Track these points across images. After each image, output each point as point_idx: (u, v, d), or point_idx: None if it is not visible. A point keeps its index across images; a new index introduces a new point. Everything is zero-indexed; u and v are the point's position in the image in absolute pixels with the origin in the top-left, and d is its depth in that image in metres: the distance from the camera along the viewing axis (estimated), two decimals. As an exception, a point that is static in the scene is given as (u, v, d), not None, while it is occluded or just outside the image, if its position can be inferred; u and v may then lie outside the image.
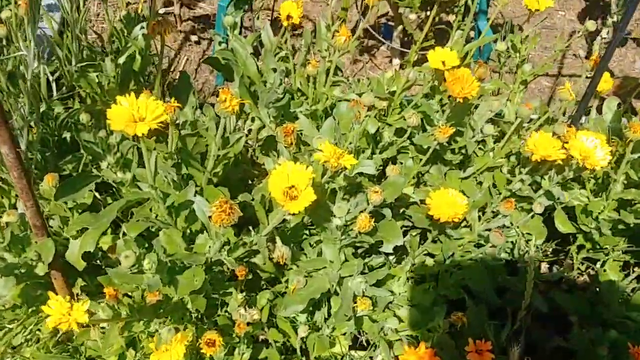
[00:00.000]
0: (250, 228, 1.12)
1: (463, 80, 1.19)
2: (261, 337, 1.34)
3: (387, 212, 1.21)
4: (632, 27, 2.57)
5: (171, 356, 1.08)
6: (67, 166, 1.30)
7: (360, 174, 1.27)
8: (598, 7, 2.71)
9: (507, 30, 1.69)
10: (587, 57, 2.48)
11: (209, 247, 1.10)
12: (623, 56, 2.52)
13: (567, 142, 1.26)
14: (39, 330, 1.36)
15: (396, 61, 2.20)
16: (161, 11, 2.25)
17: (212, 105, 1.40)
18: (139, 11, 1.52)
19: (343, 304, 1.19)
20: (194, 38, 2.23)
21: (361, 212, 1.12)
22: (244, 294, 1.28)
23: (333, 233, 1.17)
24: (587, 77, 1.47)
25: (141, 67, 1.32)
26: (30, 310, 1.33)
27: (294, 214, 0.97)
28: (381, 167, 1.38)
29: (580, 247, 1.60)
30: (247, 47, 1.49)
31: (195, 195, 1.11)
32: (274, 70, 1.39)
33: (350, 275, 1.20)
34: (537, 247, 1.52)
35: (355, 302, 1.20)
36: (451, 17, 2.19)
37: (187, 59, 2.18)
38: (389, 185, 1.21)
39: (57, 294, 1.26)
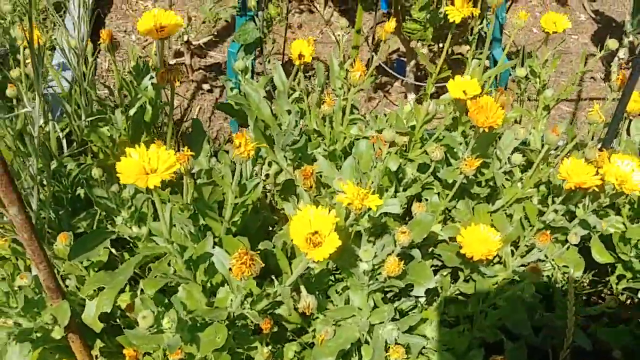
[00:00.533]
0: (274, 277, 1.07)
1: (487, 109, 1.14)
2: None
3: (415, 252, 1.15)
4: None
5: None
6: (81, 224, 1.26)
7: (385, 214, 1.21)
8: (610, 29, 2.67)
9: (524, 56, 1.65)
10: (605, 80, 2.43)
11: (231, 300, 1.04)
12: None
13: (600, 167, 1.20)
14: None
15: (411, 96, 2.16)
16: (172, 62, 2.23)
17: (227, 152, 1.36)
18: (149, 63, 1.50)
19: (375, 354, 1.12)
20: (206, 87, 2.20)
21: (389, 254, 1.06)
22: (270, 347, 1.21)
23: (360, 278, 1.11)
24: (614, 99, 1.41)
25: (152, 117, 1.28)
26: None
27: (318, 262, 0.91)
28: (406, 206, 1.32)
29: (620, 277, 1.52)
30: (260, 90, 1.46)
31: (214, 247, 1.06)
32: (289, 112, 1.35)
33: (381, 323, 1.13)
34: (575, 280, 1.44)
35: (388, 351, 1.13)
36: (464, 48, 2.16)
37: (200, 108, 2.16)
38: (416, 224, 1.15)
39: (75, 357, 1.22)
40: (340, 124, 1.32)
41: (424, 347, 1.26)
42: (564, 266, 1.42)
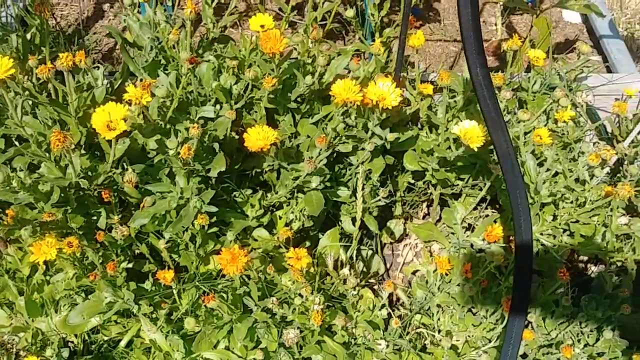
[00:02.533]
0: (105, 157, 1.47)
1: (274, 39, 1.50)
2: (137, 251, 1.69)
3: (215, 145, 1.53)
4: None
5: (46, 257, 1.44)
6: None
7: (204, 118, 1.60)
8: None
9: None
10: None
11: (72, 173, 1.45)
12: None
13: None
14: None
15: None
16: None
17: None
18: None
19: (184, 219, 1.52)
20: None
21: (183, 144, 1.44)
22: (120, 215, 1.63)
23: (174, 162, 1.50)
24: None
25: (40, 41, 1.67)
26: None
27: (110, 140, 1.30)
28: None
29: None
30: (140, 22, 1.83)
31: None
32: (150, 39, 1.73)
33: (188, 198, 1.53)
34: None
35: (196, 218, 1.53)
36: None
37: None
38: (219, 124, 1.54)
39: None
40: (185, 49, 1.68)
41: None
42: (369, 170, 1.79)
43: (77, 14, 2.56)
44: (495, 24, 2.66)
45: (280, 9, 2.60)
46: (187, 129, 1.45)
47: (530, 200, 1.64)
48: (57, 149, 1.29)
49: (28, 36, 1.70)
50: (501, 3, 2.57)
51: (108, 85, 1.58)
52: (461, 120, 1.79)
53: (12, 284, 1.68)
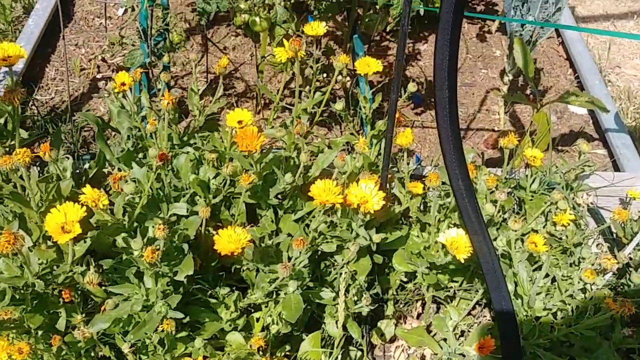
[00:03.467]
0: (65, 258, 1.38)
1: (250, 136, 1.42)
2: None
3: (185, 246, 1.44)
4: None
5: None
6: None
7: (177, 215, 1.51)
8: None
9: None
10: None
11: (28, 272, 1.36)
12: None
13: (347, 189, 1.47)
14: None
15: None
16: (98, 76, 2.59)
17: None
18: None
19: (148, 324, 1.41)
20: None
21: (148, 246, 1.35)
22: (83, 315, 1.52)
23: (139, 262, 1.41)
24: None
25: (13, 126, 1.61)
26: None
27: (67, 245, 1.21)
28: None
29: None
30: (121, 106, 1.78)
31: (18, 230, 1.37)
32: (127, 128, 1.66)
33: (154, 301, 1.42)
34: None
35: (161, 323, 1.42)
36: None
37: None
38: (189, 223, 1.44)
39: None
40: (163, 140, 1.61)
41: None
42: (354, 271, 1.68)
43: (72, 89, 2.53)
44: (499, 113, 2.59)
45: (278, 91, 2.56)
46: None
47: (524, 314, 1.51)
48: (6, 250, 1.21)
49: (1, 121, 1.65)
50: (504, 90, 2.51)
51: (82, 173, 1.51)
52: (453, 222, 1.70)
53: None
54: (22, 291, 1.40)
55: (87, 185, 1.26)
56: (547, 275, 1.55)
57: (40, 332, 1.48)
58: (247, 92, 2.63)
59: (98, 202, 1.25)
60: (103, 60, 2.35)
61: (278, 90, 1.90)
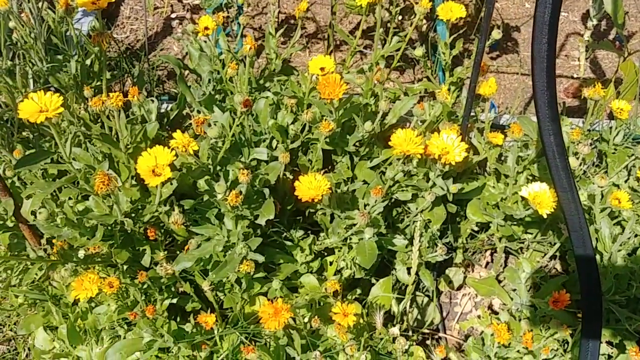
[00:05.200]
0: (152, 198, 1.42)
1: (333, 84, 1.41)
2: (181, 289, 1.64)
3: (266, 191, 1.47)
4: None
5: (87, 293, 1.41)
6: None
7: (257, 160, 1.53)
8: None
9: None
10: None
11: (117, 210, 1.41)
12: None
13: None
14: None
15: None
16: (173, 15, 2.59)
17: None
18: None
19: (229, 265, 1.46)
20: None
21: (232, 190, 1.38)
22: (165, 252, 1.58)
23: (222, 205, 1.44)
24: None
25: (99, 67, 1.65)
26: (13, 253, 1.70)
27: (155, 186, 1.25)
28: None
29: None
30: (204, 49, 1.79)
31: (108, 170, 1.42)
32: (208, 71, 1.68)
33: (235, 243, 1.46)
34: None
35: (241, 264, 1.46)
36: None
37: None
38: (271, 168, 1.46)
39: (29, 242, 1.63)
40: (243, 84, 1.62)
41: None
42: (428, 220, 1.68)
43: (147, 28, 2.56)
44: (579, 59, 2.48)
45: (351, 32, 2.52)
46: (236, 174, 1.39)
47: (603, 270, 1.49)
48: (101, 191, 1.25)
49: (88, 62, 1.69)
50: (588, 36, 2.39)
51: (163, 114, 1.53)
52: (532, 173, 1.67)
53: (56, 309, 1.67)
54: (110, 228, 1.46)
55: (178, 131, 1.28)
56: (626, 240, 1.52)
57: (125, 267, 1.55)
58: (318, 32, 2.60)
59: (188, 148, 1.27)
60: (178, 0, 2.36)
61: (353, 33, 1.87)
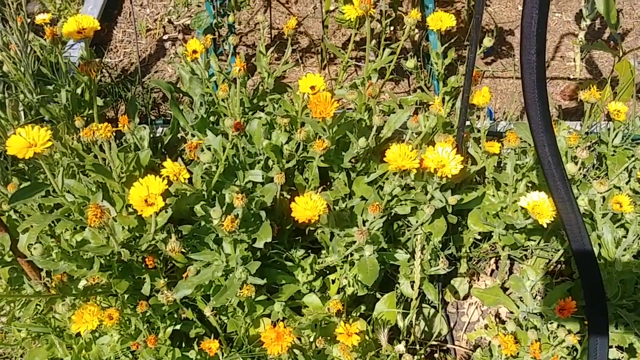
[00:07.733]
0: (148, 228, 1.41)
1: (323, 102, 1.40)
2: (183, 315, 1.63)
3: (262, 213, 1.45)
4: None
5: (87, 327, 1.40)
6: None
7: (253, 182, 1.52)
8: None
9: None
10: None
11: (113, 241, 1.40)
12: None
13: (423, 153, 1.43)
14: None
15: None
16: (164, 37, 2.59)
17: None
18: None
19: (229, 290, 1.44)
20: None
21: (227, 215, 1.37)
22: (166, 279, 1.57)
23: (218, 230, 1.43)
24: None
25: (89, 97, 1.64)
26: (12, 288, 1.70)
27: (149, 216, 1.24)
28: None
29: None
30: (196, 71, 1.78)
31: (102, 200, 1.41)
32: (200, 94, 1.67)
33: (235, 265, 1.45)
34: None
35: (241, 289, 1.45)
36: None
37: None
38: (266, 190, 1.45)
39: (28, 275, 1.62)
40: (236, 106, 1.61)
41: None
42: (428, 232, 1.67)
43: (139, 51, 2.56)
44: (574, 60, 2.47)
45: (343, 45, 2.52)
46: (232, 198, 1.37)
47: (608, 277, 1.47)
48: (94, 224, 1.24)
49: (79, 91, 1.68)
50: (582, 37, 2.38)
51: (157, 140, 1.52)
52: (531, 180, 1.65)
53: (60, 342, 1.66)
54: (108, 258, 1.45)
55: (168, 160, 1.27)
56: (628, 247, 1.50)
57: (126, 297, 1.54)
58: (312, 47, 2.59)
59: (179, 176, 1.26)
60: (169, 21, 2.36)
61: (344, 47, 1.86)
